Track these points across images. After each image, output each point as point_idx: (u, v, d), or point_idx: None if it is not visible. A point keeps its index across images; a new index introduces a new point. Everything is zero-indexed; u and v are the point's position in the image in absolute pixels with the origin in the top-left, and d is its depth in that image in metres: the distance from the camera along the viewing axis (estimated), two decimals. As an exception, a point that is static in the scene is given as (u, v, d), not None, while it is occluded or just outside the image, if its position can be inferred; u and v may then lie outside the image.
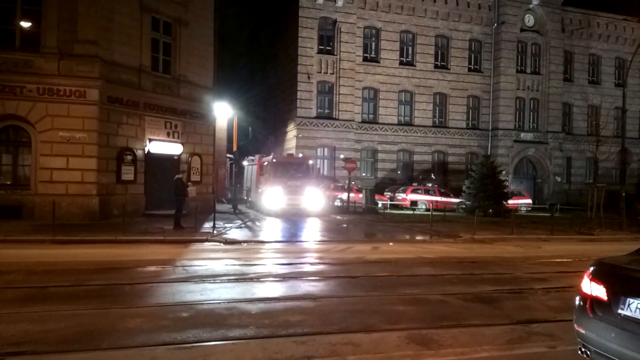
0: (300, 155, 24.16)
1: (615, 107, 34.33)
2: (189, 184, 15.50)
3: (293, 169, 21.86)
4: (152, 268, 9.12)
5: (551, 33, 34.22)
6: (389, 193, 29.00)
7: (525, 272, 9.84)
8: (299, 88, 30.19)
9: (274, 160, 21.88)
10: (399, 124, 32.84)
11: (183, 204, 14.86)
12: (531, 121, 34.72)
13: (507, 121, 33.81)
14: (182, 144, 19.30)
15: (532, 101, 34.69)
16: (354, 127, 31.20)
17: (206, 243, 12.69)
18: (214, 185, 22.05)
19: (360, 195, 26.80)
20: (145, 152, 17.96)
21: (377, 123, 32.35)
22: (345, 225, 17.51)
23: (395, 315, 6.26)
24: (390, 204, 27.69)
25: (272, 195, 20.80)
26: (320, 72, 30.67)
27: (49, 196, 14.57)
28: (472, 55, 34.13)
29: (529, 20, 33.99)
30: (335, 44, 30.68)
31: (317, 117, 30.65)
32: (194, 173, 19.62)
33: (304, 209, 21.07)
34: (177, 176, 15.06)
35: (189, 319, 5.88)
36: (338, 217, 21.34)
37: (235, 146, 23.36)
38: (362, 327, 5.68)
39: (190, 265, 9.48)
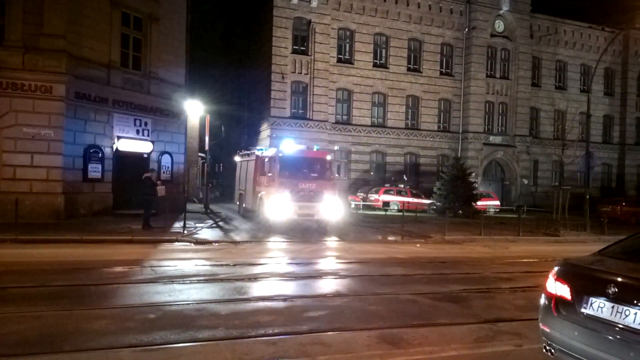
0: (317, 148, 18.92)
1: (580, 112, 35.49)
2: (158, 182, 15.20)
3: (306, 167, 16.61)
4: (119, 268, 8.89)
5: (520, 39, 35.11)
6: (362, 194, 29.20)
7: (493, 272, 10.04)
8: (273, 88, 30.05)
9: (282, 155, 16.31)
10: (373, 125, 33.09)
11: (152, 203, 14.56)
12: (500, 125, 35.52)
13: (477, 124, 34.49)
14: (152, 142, 18.92)
15: (501, 105, 35.50)
16: (328, 127, 31.26)
17: (176, 243, 12.46)
18: (186, 184, 21.72)
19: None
20: (114, 150, 17.53)
21: (351, 124, 32.50)
22: (316, 225, 17.48)
23: (367, 315, 6.28)
24: (363, 205, 27.87)
25: (277, 202, 15.45)
26: (295, 72, 30.61)
27: (11, 194, 14.01)
28: (444, 59, 34.69)
29: (499, 26, 34.78)
30: (310, 44, 30.68)
31: (291, 117, 30.56)
32: (164, 172, 19.28)
33: (320, 220, 16.20)
34: (145, 175, 14.73)
35: (157, 320, 5.75)
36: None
37: (207, 145, 23.02)
38: (334, 327, 5.67)
39: (159, 266, 9.29)
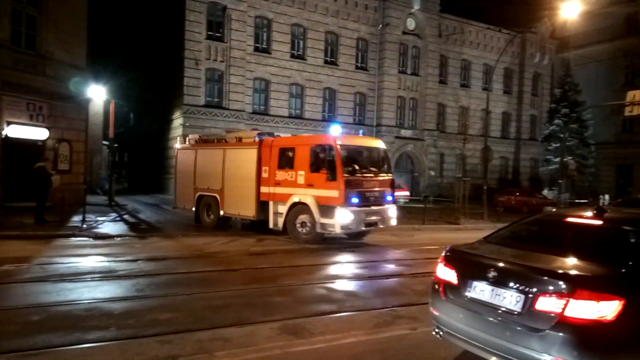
0: (362, 133, 14.76)
1: (482, 108, 38.11)
2: (53, 172, 13.96)
3: (366, 160, 12.68)
4: (3, 267, 8.04)
5: (429, 37, 36.83)
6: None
7: (397, 258, 10.47)
8: (186, 74, 28.84)
9: (341, 144, 11.85)
10: (290, 116, 33.03)
11: (46, 195, 13.34)
12: (410, 119, 37.12)
13: (389, 118, 35.76)
14: (48, 128, 17.32)
15: (411, 100, 37.10)
16: (245, 117, 30.70)
17: (73, 238, 11.56)
18: (87, 174, 20.22)
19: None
20: (3, 137, 15.81)
21: (269, 115, 32.19)
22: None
23: (271, 307, 6.24)
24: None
25: (343, 210, 11.42)
26: (210, 59, 29.61)
27: None
28: (360, 53, 35.47)
29: (411, 24, 36.20)
30: (226, 31, 29.82)
31: (205, 106, 29.58)
32: (62, 161, 17.75)
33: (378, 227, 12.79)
34: (38, 164, 13.40)
35: (41, 322, 5.28)
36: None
37: (112, 132, 21.59)
38: (236, 321, 5.56)
39: (50, 263, 8.55)
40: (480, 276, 4.01)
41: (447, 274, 4.34)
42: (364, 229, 12.24)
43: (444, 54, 38.49)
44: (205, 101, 29.66)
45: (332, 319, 5.79)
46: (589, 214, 4.43)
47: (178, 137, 16.75)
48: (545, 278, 3.58)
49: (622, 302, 3.29)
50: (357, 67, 35.20)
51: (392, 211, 12.82)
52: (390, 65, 35.33)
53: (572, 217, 4.61)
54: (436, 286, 4.44)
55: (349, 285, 7.68)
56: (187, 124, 28.58)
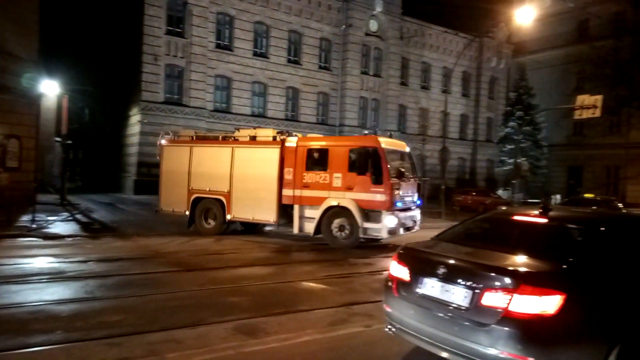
0: (405, 145, 13.62)
1: (441, 110, 38.97)
2: (0, 170, 13.29)
3: (402, 164, 12.51)
4: (-60, 270, 7.59)
5: (391, 39, 37.36)
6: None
7: (355, 256, 10.54)
8: (144, 70, 28.06)
9: (385, 148, 11.59)
10: (253, 115, 32.73)
11: (-8, 193, 12.70)
12: (372, 120, 37.55)
13: (352, 118, 36.04)
14: (-5, 123, 16.48)
15: (373, 101, 37.53)
16: (206, 115, 30.21)
17: (21, 239, 11.05)
18: (38, 172, 19.36)
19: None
20: (-57, 132, 14.94)
21: (231, 113, 31.79)
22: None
23: (226, 307, 6.16)
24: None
25: (389, 215, 11.24)
26: (169, 55, 28.94)
27: None
28: (323, 53, 35.56)
29: (373, 25, 36.60)
30: (186, 26, 29.24)
31: (164, 103, 28.89)
32: (10, 158, 16.88)
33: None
34: (-17, 161, 12.78)
35: (-20, 327, 5.00)
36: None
37: (65, 128, 20.74)
38: (189, 322, 5.44)
39: (-6, 265, 8.12)
40: (430, 273, 4.08)
41: (400, 271, 4.40)
42: (402, 233, 11.77)
43: (405, 56, 39.12)
44: (165, 98, 28.98)
45: (288, 318, 5.76)
46: (535, 212, 4.59)
47: (161, 133, 14.82)
48: (491, 274, 3.68)
49: (564, 296, 3.42)
50: (320, 67, 35.29)
51: (419, 215, 12.86)
52: (353, 66, 35.61)
53: (519, 215, 4.78)
54: (389, 283, 4.49)
55: (305, 284, 7.68)
56: (145, 121, 27.86)
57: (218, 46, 30.90)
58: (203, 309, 6.01)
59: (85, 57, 37.57)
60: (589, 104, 21.25)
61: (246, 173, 12.75)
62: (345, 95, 35.71)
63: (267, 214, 12.48)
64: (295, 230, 12.17)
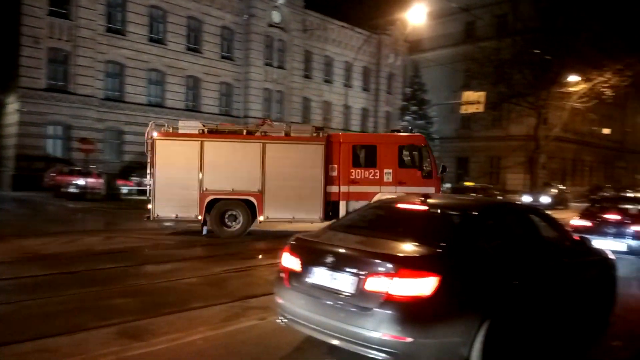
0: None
1: (343, 104, 40.09)
2: None
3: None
4: None
5: (294, 32, 37.48)
6: (136, 178, 27.16)
7: (253, 248, 10.46)
8: (22, 53, 25.30)
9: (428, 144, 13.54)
10: (149, 104, 31.01)
11: None
12: (277, 112, 37.50)
13: (256, 110, 35.64)
14: None
15: (278, 93, 37.46)
16: (96, 104, 28.04)
17: None
18: None
19: (101, 181, 24.33)
20: None
21: (124, 102, 29.82)
22: (79, 215, 15.61)
23: (111, 310, 5.74)
24: (137, 190, 25.96)
25: None
26: (53, 38, 26.36)
27: None
28: (225, 42, 34.68)
29: (276, 16, 36.40)
30: (72, 7, 26.81)
31: (47, 90, 26.29)
32: None
33: None
34: None
35: None
36: (71, 205, 18.89)
37: None
38: (66, 329, 4.98)
39: None
40: (319, 262, 4.13)
41: (291, 262, 4.40)
42: None
43: (309, 49, 39.51)
44: (47, 84, 26.42)
45: (179, 317, 5.51)
46: (417, 200, 4.85)
47: (151, 124, 12.21)
48: (375, 260, 3.81)
49: (439, 278, 3.64)
50: (222, 57, 34.42)
51: None
52: (256, 56, 35.21)
53: (403, 203, 5.02)
54: (281, 274, 4.48)
55: (201, 281, 7.43)
56: (25, 110, 25.22)
57: (109, 30, 28.83)
58: (83, 314, 5.53)
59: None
60: (473, 100, 23.16)
61: (283, 171, 11.88)
62: (249, 86, 35.24)
63: (312, 212, 12.06)
64: None
